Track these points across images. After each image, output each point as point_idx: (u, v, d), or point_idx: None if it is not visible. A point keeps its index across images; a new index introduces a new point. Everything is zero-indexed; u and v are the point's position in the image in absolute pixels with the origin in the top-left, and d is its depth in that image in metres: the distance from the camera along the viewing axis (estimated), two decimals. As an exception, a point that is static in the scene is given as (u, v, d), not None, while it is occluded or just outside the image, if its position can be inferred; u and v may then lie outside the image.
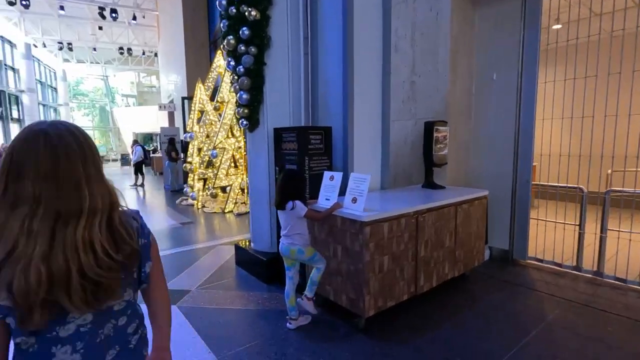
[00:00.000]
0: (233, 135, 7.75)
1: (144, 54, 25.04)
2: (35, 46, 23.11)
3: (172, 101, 14.75)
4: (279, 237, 3.55)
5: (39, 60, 26.68)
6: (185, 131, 9.21)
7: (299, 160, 3.20)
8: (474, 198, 3.46)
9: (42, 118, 26.93)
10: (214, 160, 8.80)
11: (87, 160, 0.84)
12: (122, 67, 31.81)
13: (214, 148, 7.19)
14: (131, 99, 36.80)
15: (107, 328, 0.89)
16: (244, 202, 7.92)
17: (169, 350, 1.07)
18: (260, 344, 2.58)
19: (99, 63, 32.24)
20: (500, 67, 4.20)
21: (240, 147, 7.84)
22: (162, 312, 1.09)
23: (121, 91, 36.97)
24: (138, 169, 12.40)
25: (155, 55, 24.52)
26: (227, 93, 7.37)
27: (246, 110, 3.62)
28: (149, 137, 31.26)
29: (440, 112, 4.11)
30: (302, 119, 3.83)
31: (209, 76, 8.93)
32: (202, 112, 8.63)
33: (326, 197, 2.91)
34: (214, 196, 7.27)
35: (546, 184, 4.43)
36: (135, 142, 12.48)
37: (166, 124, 15.24)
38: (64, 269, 0.76)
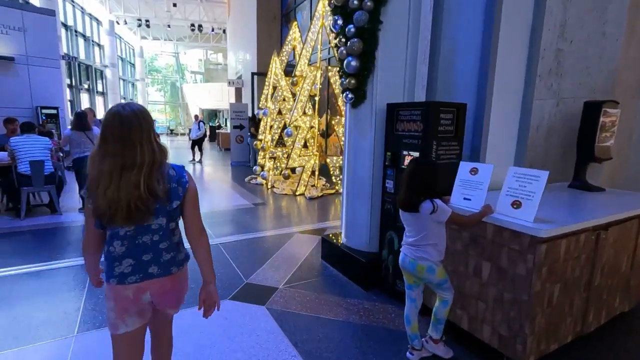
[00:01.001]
0: (304, 113, 7.24)
1: (212, 30, 25.50)
2: (118, 23, 24.57)
3: (240, 77, 14.68)
4: (381, 234, 2.99)
5: (120, 37, 28.53)
6: (258, 107, 8.90)
7: (424, 145, 2.51)
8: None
9: (122, 92, 29.09)
10: (286, 139, 8.43)
11: (143, 132, 1.28)
12: (192, 44, 32.96)
13: (288, 126, 6.73)
14: (199, 76, 38.28)
15: (144, 238, 1.35)
16: (314, 185, 7.45)
17: (213, 283, 1.48)
18: (376, 378, 2.03)
19: (171, 40, 33.74)
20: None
21: (312, 127, 7.32)
22: (197, 251, 1.46)
23: (190, 68, 38.58)
24: (197, 145, 11.96)
25: (224, 32, 24.87)
26: (305, 67, 6.81)
27: (353, 81, 2.99)
28: (213, 114, 32.40)
29: (601, 89, 3.13)
30: (416, 94, 3.11)
31: (283, 50, 8.45)
32: (274, 87, 8.23)
33: (465, 196, 2.22)
34: (287, 177, 6.88)
35: None
36: (195, 117, 12.25)
37: (233, 101, 15.30)
38: (121, 197, 1.23)
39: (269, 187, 7.67)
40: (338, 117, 7.14)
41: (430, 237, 1.96)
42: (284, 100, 8.18)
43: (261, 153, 8.18)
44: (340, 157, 7.16)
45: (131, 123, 1.26)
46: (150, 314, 1.45)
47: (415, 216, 1.97)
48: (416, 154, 2.58)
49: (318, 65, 7.04)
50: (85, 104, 22.46)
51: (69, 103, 20.79)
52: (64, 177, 6.71)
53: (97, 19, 23.55)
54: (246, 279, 3.23)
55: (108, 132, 1.26)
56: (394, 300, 2.85)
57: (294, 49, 8.44)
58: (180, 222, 1.45)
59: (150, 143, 1.29)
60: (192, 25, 23.90)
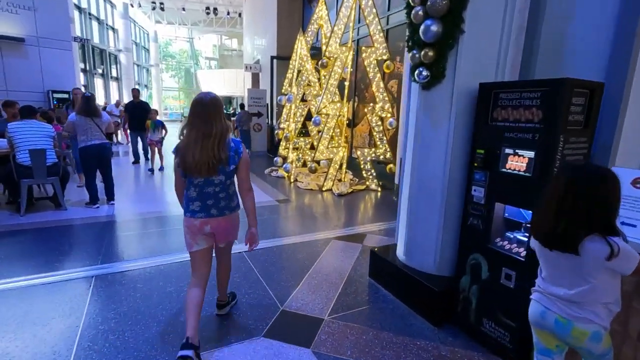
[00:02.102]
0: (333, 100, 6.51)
1: (228, 14, 24.67)
2: (132, 6, 23.98)
3: (257, 62, 13.93)
4: (460, 256, 2.19)
5: (134, 20, 27.99)
6: (281, 93, 8.18)
7: (546, 142, 1.78)
8: None
9: (136, 78, 28.71)
10: (311, 128, 7.72)
11: (217, 112, 1.86)
12: (207, 28, 32.21)
13: (317, 113, 6.02)
14: (213, 62, 37.63)
15: (209, 188, 1.94)
16: (341, 180, 6.76)
17: (255, 227, 2.10)
18: None
19: (186, 25, 33.05)
20: None
21: (341, 115, 6.58)
22: (245, 203, 2.08)
23: (204, 54, 37.94)
24: None
25: (239, 15, 24.03)
26: (336, 47, 6.04)
27: (431, 53, 2.24)
28: (227, 101, 31.82)
29: None
30: (507, 72, 2.35)
31: (308, 29, 7.66)
32: (299, 71, 7.49)
33: (625, 220, 1.49)
34: (314, 171, 6.20)
35: None
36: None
37: (249, 87, 14.60)
38: (202, 156, 1.81)
39: (292, 180, 7.01)
40: (371, 104, 6.38)
41: (600, 292, 1.25)
42: (308, 85, 7.45)
43: (283, 143, 7.50)
44: (372, 149, 6.42)
45: (208, 106, 1.87)
46: (212, 241, 2.08)
47: (574, 260, 1.26)
48: (530, 154, 1.84)
49: (349, 45, 6.26)
50: (99, 89, 22.13)
51: (83, 88, 20.52)
52: (74, 167, 6.21)
53: (110, 2, 22.99)
54: (281, 305, 2.59)
55: (194, 112, 1.87)
56: (478, 345, 2.17)
57: (319, 28, 7.66)
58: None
59: (220, 121, 1.87)
60: (207, 8, 23.11)
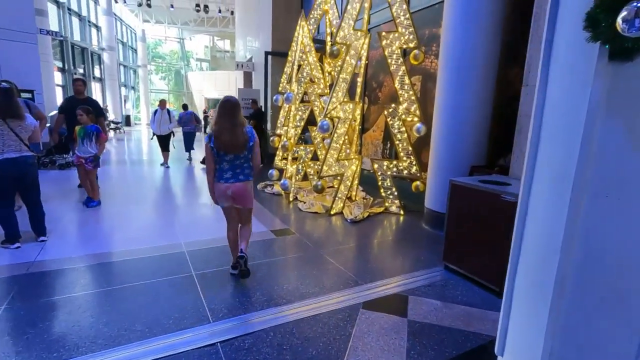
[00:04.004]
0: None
1: (219, 12, 23.32)
2: (116, 2, 22.50)
3: (250, 60, 12.56)
4: None
5: (120, 19, 26.47)
6: (278, 92, 6.81)
7: None
8: None
9: (122, 79, 27.12)
10: (314, 134, 6.35)
11: (238, 110, 2.72)
12: (198, 28, 30.84)
13: (324, 117, 4.65)
14: (205, 64, 36.20)
15: (237, 162, 2.78)
16: (351, 198, 5.40)
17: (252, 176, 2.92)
18: None
19: (176, 24, 31.62)
20: None
21: (353, 119, 5.23)
22: (254, 169, 2.91)
23: (196, 55, 36.49)
24: (163, 144, 8.57)
25: (232, 13, 22.70)
26: (350, 30, 4.69)
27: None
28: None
29: None
30: None
31: (311, 16, 6.33)
32: (299, 66, 6.14)
33: None
34: (320, 191, 4.82)
35: None
36: (162, 103, 8.62)
37: (241, 87, 13.22)
38: (234, 139, 2.68)
39: (291, 199, 5.63)
40: (393, 105, 5.04)
41: None
42: (311, 81, 6.10)
43: (280, 153, 6.13)
44: (392, 162, 5.07)
45: (234, 105, 2.72)
46: (233, 201, 2.86)
47: None
48: None
49: (364, 29, 4.93)
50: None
51: (60, 89, 18.95)
52: None
53: (93, -3, 21.48)
54: None
55: (224, 108, 2.69)
56: None
57: (323, 15, 6.33)
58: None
59: (241, 116, 2.75)
60: (197, 5, 21.75)
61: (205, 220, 4.62)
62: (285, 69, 6.17)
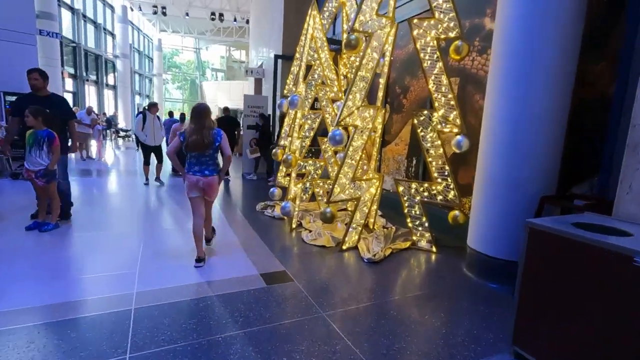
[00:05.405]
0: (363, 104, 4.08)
1: (235, 20, 22.90)
2: (132, 9, 22.38)
3: (261, 65, 11.72)
4: None
5: (138, 28, 26.47)
6: (282, 96, 5.84)
7: None
8: None
9: (136, 87, 26.94)
10: (324, 147, 5.32)
11: (208, 114, 3.22)
12: (214, 38, 30.69)
13: (337, 125, 3.59)
14: (220, 74, 36.06)
15: (204, 159, 3.22)
16: (368, 226, 4.30)
17: (220, 176, 3.35)
18: None
19: (192, 34, 31.60)
20: None
21: (373, 130, 4.15)
22: (224, 165, 3.35)
23: (212, 65, 36.44)
24: (154, 154, 7.24)
25: (247, 22, 22.23)
26: (373, 15, 3.65)
27: None
28: (233, 113, 29.85)
29: None
30: None
31: (325, 9, 5.37)
32: (309, 66, 5.14)
33: None
34: (330, 220, 3.70)
35: None
36: (152, 107, 7.21)
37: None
38: (201, 140, 3.11)
39: (294, 226, 4.55)
40: (425, 112, 3.95)
41: None
42: (322, 84, 5.09)
43: (283, 169, 5.09)
44: (423, 185, 3.96)
45: (202, 110, 3.18)
46: (202, 193, 3.26)
47: None
48: None
49: (391, 16, 3.89)
50: (92, 96, 20.26)
51: (71, 95, 18.65)
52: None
53: (110, 5, 21.39)
54: None
55: (193, 113, 3.16)
56: None
57: (340, 7, 5.36)
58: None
59: (209, 119, 3.18)
60: (213, 14, 21.35)
61: (174, 259, 3.58)
62: (292, 68, 5.18)
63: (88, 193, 6.22)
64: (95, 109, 19.72)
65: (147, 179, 7.16)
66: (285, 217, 4.85)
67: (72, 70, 18.17)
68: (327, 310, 2.59)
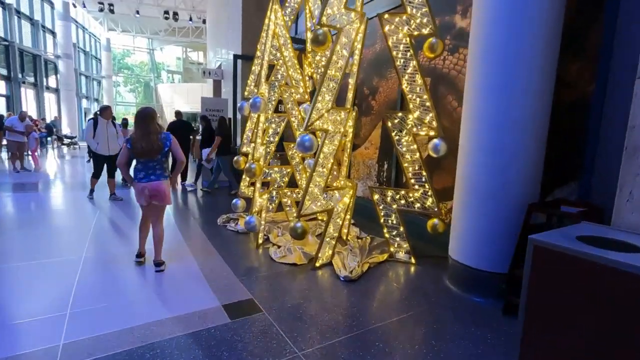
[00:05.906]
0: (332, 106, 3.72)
1: (191, 20, 21.83)
2: (74, 6, 20.63)
3: (220, 67, 11.09)
4: None
5: (82, 26, 24.49)
6: (243, 98, 5.38)
7: None
8: None
9: (83, 90, 24.85)
10: (290, 153, 4.95)
11: (153, 118, 3.14)
12: (168, 38, 29.19)
13: (306, 130, 3.21)
14: (177, 76, 34.43)
15: (151, 164, 3.16)
16: (342, 237, 3.98)
17: (171, 181, 3.42)
18: None
19: (144, 34, 29.84)
20: None
21: (344, 133, 3.82)
22: (176, 168, 3.38)
23: (167, 67, 34.68)
24: (107, 165, 6.31)
25: (204, 22, 21.24)
26: (341, 10, 3.32)
27: None
28: (192, 117, 28.50)
29: None
30: None
31: (286, 4, 5.00)
32: (271, 65, 4.73)
33: None
34: (301, 236, 3.29)
35: None
36: (105, 111, 6.22)
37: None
38: (148, 146, 3.05)
39: (260, 242, 4.11)
40: (399, 114, 3.69)
41: None
42: (286, 85, 4.70)
43: (246, 178, 4.62)
44: (400, 192, 3.70)
45: (147, 114, 3.11)
46: (150, 200, 3.19)
47: None
48: None
49: (360, 10, 3.59)
50: (30, 101, 18.32)
51: (3, 99, 16.72)
52: None
53: (49, 0, 19.55)
54: None
55: (137, 118, 3.11)
56: None
57: (302, 4, 5.01)
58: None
59: (154, 124, 3.12)
60: (166, 12, 20.16)
61: (117, 294, 3.02)
62: (253, 68, 4.74)
63: (18, 213, 5.36)
64: (34, 114, 17.90)
65: (91, 191, 6.31)
66: (251, 234, 4.39)
67: (4, 72, 16.32)
68: (303, 349, 2.20)
